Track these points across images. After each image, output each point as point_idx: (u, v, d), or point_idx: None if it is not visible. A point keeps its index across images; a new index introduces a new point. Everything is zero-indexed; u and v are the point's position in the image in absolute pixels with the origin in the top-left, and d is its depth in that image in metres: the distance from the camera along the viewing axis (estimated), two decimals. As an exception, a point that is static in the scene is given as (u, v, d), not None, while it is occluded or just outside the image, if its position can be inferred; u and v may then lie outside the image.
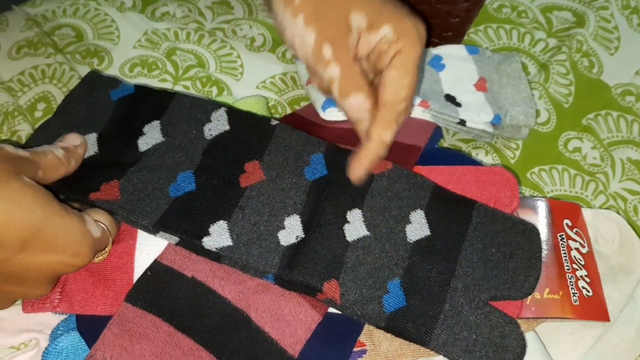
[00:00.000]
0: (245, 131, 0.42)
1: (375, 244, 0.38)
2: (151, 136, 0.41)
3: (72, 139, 0.39)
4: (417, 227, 0.39)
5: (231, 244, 0.37)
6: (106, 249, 0.37)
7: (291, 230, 0.38)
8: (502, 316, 0.36)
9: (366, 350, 0.38)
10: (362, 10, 0.38)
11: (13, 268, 0.32)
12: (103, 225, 0.36)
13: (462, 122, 0.47)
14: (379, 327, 0.36)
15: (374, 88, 0.40)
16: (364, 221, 0.39)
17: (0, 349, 0.37)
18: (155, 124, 0.42)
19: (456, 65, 0.50)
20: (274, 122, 0.42)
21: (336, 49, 0.38)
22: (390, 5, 0.40)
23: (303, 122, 0.47)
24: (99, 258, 0.37)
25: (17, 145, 0.36)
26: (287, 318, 0.37)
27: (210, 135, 0.41)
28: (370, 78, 0.42)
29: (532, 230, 0.40)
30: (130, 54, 0.52)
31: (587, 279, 0.40)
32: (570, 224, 0.42)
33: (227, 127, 0.42)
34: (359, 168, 0.39)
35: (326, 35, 0.38)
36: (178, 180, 0.39)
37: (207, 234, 0.37)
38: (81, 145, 0.39)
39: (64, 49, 0.51)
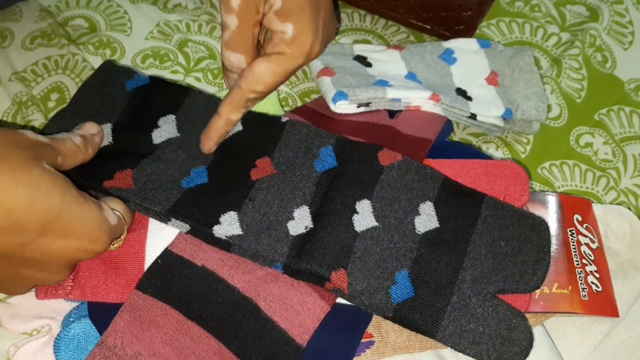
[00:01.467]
0: (257, 132, 0.42)
1: (383, 234, 0.38)
2: (166, 130, 0.42)
3: (90, 128, 0.39)
4: (426, 219, 0.39)
5: (241, 232, 0.37)
6: (121, 236, 0.37)
7: (300, 221, 0.38)
8: (510, 309, 0.36)
9: (374, 341, 0.38)
10: None
11: (32, 253, 0.32)
12: (119, 214, 0.37)
13: (473, 116, 0.47)
14: (386, 318, 0.36)
15: (257, 52, 0.41)
16: (373, 212, 0.39)
17: (13, 335, 0.38)
18: (171, 118, 0.42)
19: (468, 59, 0.50)
20: (284, 119, 0.43)
21: (244, 4, 0.39)
22: (314, 6, 0.40)
23: (313, 114, 0.47)
24: (115, 246, 0.37)
25: (37, 131, 0.36)
26: (296, 307, 0.37)
27: None
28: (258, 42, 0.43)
29: (541, 224, 0.40)
30: (142, 45, 0.52)
31: (597, 275, 0.40)
32: (580, 219, 0.42)
33: (240, 128, 0.42)
34: (208, 141, 0.41)
35: None
36: (191, 174, 0.40)
37: (218, 222, 0.37)
38: (98, 133, 0.40)
39: (77, 39, 0.52)
